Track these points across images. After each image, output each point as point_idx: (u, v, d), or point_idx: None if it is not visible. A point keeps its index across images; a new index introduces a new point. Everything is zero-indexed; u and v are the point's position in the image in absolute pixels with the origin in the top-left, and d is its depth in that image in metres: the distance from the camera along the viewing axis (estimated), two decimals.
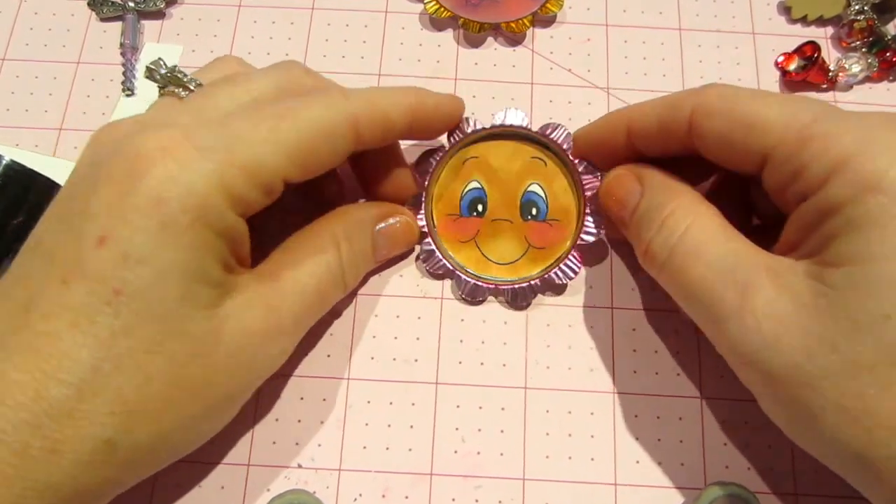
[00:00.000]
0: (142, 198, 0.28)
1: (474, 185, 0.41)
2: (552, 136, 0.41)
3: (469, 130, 0.41)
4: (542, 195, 0.41)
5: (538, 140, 0.41)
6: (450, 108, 0.39)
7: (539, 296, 0.41)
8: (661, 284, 0.35)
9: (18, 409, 0.27)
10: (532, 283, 0.40)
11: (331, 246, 0.36)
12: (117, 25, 0.47)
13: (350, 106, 0.34)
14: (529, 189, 0.41)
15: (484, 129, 0.41)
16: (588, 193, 0.40)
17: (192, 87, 0.34)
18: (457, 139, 0.41)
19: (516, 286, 0.40)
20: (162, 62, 0.34)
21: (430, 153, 0.41)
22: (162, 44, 0.47)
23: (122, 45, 0.46)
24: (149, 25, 0.48)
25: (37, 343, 0.28)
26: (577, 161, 0.41)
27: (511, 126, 0.41)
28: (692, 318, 0.34)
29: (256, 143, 0.31)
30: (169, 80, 0.34)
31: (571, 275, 0.40)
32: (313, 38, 0.47)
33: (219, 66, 0.37)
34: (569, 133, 0.41)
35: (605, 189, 0.38)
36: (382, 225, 0.39)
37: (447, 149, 0.41)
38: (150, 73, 0.34)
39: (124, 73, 0.46)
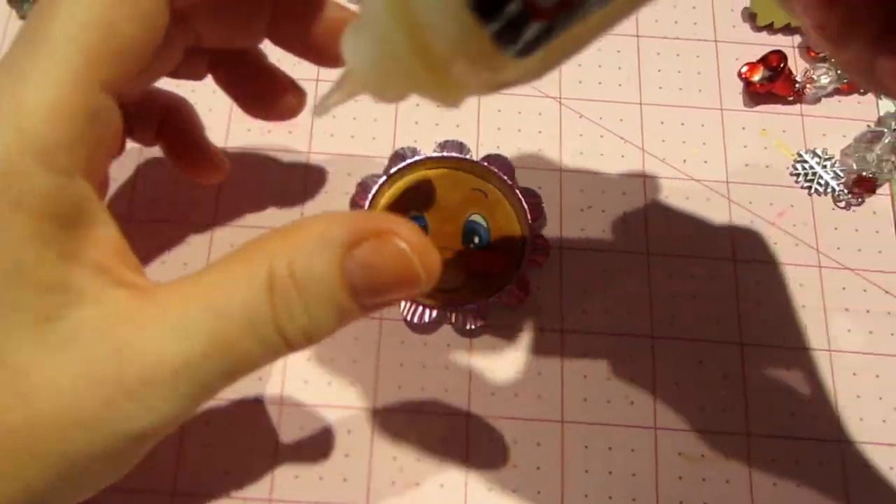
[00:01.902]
0: None
1: (414, 213, 0.42)
2: (493, 166, 0.42)
3: (410, 159, 0.42)
4: (485, 224, 0.42)
5: (479, 170, 0.43)
6: None
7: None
8: None
9: None
10: (478, 305, 0.40)
11: (257, 272, 0.25)
12: None
13: None
14: (471, 219, 0.42)
15: (426, 158, 0.43)
16: (532, 218, 0.41)
17: None
18: (397, 166, 0.42)
19: (462, 307, 0.40)
20: None
21: (370, 181, 0.42)
22: None
23: None
24: None
25: None
26: (520, 188, 0.42)
27: (452, 156, 0.42)
28: None
29: (43, 61, 0.25)
30: None
31: (522, 297, 0.40)
32: None
33: None
34: (509, 161, 0.43)
35: None
36: (362, 250, 0.25)
37: (386, 177, 0.42)
38: None
39: None
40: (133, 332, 0.24)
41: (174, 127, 0.37)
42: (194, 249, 0.42)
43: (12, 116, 0.24)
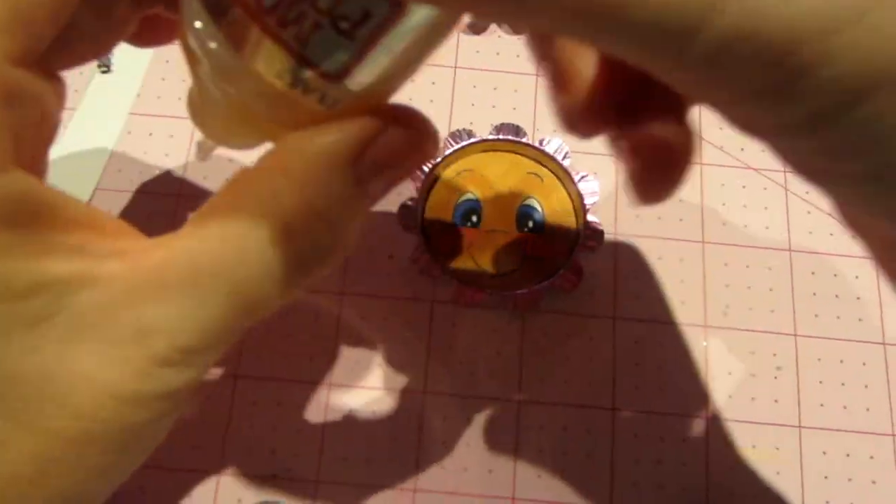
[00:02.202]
0: None
1: (469, 196, 0.42)
2: (548, 147, 0.42)
3: (466, 142, 0.42)
4: (539, 209, 0.42)
5: (535, 154, 0.43)
6: None
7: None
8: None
9: None
10: (530, 289, 0.40)
11: (270, 219, 0.24)
12: None
13: None
14: (526, 202, 0.42)
15: (482, 140, 0.42)
16: (587, 203, 0.41)
17: None
18: (452, 148, 0.42)
19: (515, 291, 0.40)
20: None
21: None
22: None
23: None
24: None
25: None
26: (576, 173, 0.42)
27: (508, 139, 0.42)
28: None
29: None
30: None
31: (575, 282, 0.40)
32: None
33: None
34: (565, 145, 0.42)
35: None
36: (370, 154, 0.24)
37: (441, 158, 0.42)
38: None
39: None
40: (147, 305, 0.23)
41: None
42: None
43: None
